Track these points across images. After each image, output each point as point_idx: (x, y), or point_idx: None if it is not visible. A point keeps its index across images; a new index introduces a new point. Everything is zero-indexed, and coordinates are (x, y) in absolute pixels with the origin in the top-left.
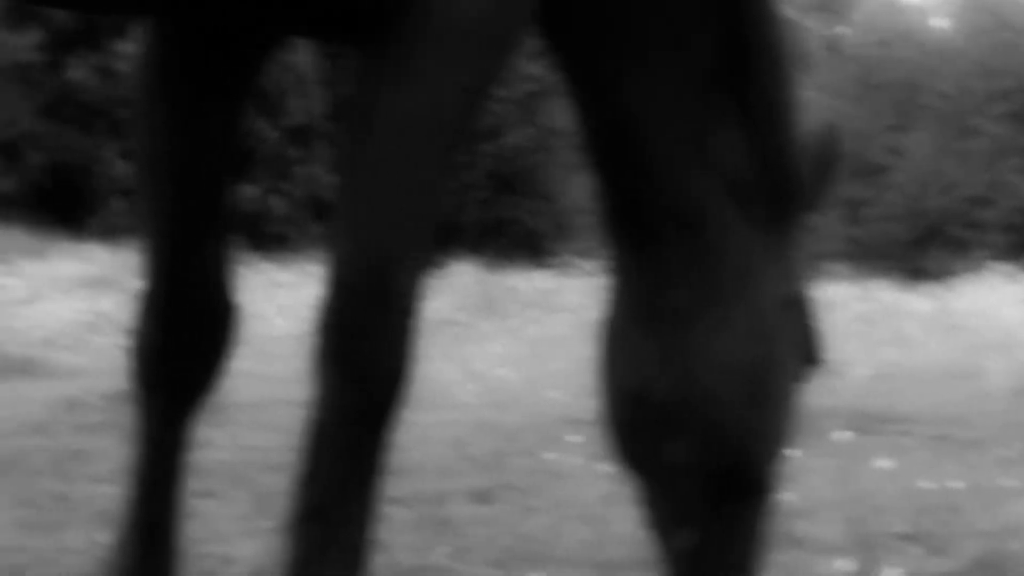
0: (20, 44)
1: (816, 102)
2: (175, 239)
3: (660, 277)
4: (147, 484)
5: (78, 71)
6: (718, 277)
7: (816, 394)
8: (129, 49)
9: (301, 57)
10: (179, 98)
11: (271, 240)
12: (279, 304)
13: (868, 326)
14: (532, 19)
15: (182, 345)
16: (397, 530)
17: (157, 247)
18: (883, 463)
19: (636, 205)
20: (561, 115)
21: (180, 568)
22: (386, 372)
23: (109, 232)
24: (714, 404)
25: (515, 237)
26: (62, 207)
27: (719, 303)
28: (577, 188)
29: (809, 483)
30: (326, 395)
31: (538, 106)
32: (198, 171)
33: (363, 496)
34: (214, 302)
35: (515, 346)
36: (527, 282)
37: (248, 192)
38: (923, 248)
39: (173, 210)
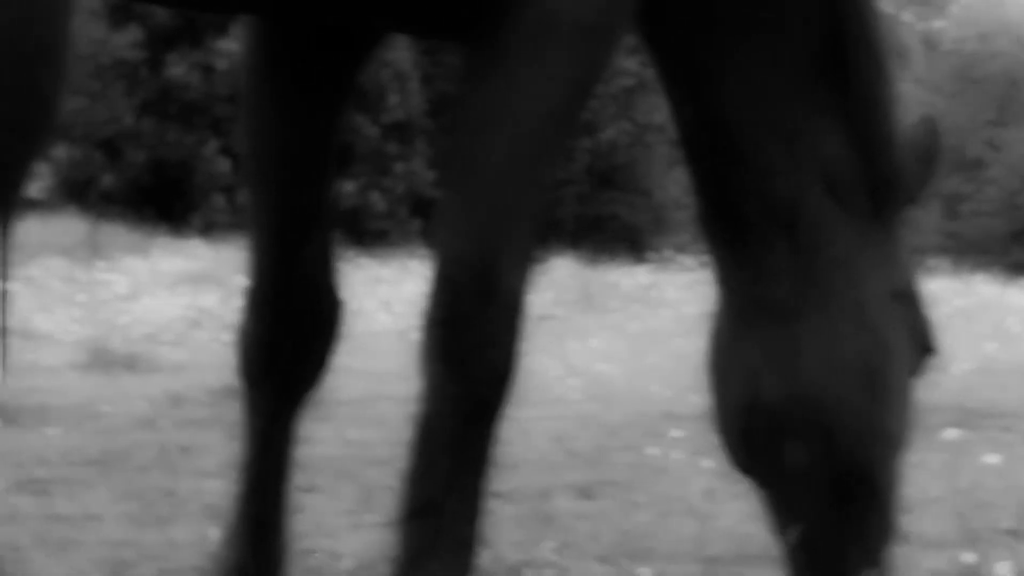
0: (121, 42)
1: (914, 97)
2: (281, 235)
3: (761, 277)
4: (255, 479)
5: (178, 68)
6: (819, 274)
7: (920, 390)
8: (229, 46)
9: (400, 53)
10: (283, 95)
11: (371, 236)
12: (380, 300)
13: (969, 321)
14: (633, 14)
15: (288, 341)
16: (502, 525)
17: (263, 243)
18: (989, 459)
19: (734, 203)
20: (658, 110)
21: (288, 563)
22: (492, 367)
23: (210, 228)
24: (825, 405)
25: (613, 232)
26: (163, 204)
27: (822, 301)
28: (675, 183)
29: (917, 479)
30: (433, 391)
31: (635, 101)
32: (303, 168)
33: (472, 491)
34: (319, 298)
35: (615, 341)
36: (626, 277)
37: (348, 188)
38: (1022, 242)
39: (278, 207)
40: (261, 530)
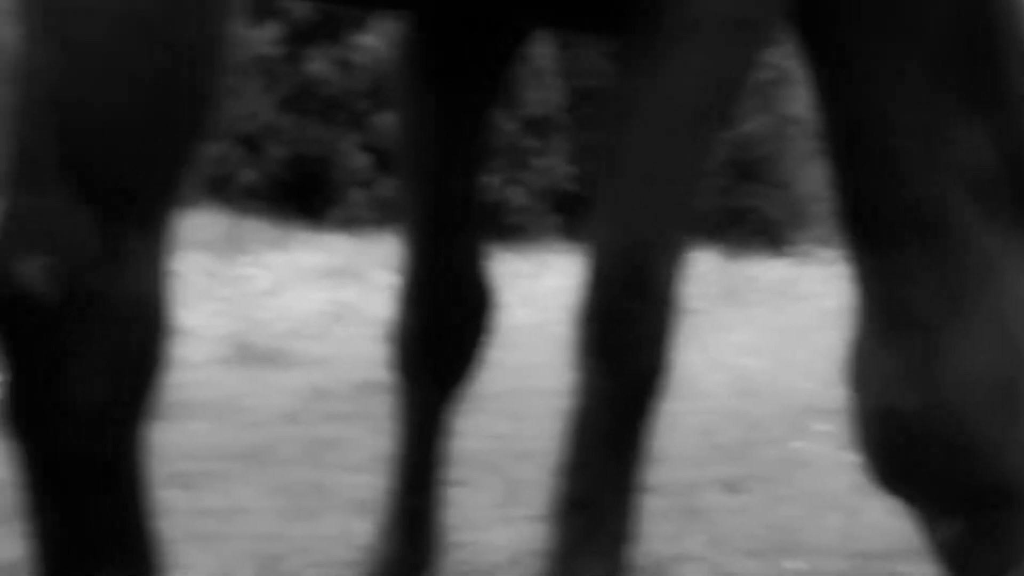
0: (261, 38)
1: None
2: (434, 230)
3: (901, 283)
4: (408, 473)
5: (317, 64)
6: (961, 282)
7: None
8: (367, 42)
9: (538, 48)
10: (437, 89)
11: (509, 231)
12: (520, 294)
13: None
14: (784, 8)
15: (441, 335)
16: (650, 519)
17: (416, 238)
18: None
19: (875, 204)
20: (798, 102)
21: (441, 557)
22: (646, 362)
23: (349, 223)
24: (964, 416)
25: (753, 225)
26: (303, 199)
27: (961, 309)
28: (814, 176)
29: None
30: (587, 385)
31: (776, 94)
32: (456, 161)
33: (625, 486)
34: (472, 292)
35: (758, 335)
36: (766, 271)
37: (486, 183)
38: None
39: (432, 200)
40: (415, 524)
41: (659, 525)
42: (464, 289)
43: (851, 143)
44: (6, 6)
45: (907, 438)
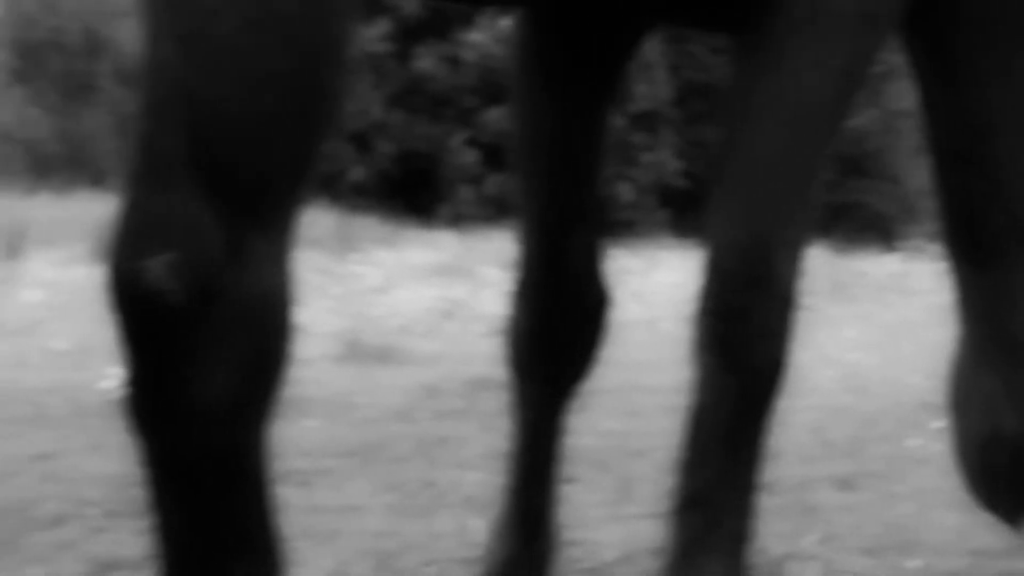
0: (370, 35)
1: None
2: (551, 227)
3: (1004, 302)
4: (525, 471)
5: (426, 61)
6: None
7: None
8: (475, 38)
9: (646, 43)
10: (556, 85)
11: (618, 226)
12: (630, 290)
13: None
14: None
15: (557, 333)
16: (764, 517)
17: (532, 235)
18: None
19: (979, 218)
20: (907, 96)
21: (557, 555)
22: (766, 358)
23: (457, 220)
24: None
25: (863, 220)
26: (411, 196)
27: None
28: (924, 171)
29: None
30: (706, 382)
31: (885, 88)
32: (574, 158)
33: (744, 484)
34: (589, 289)
35: (868, 331)
36: (876, 266)
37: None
38: None
39: (549, 197)
40: (531, 522)
41: (772, 523)
42: (581, 286)
43: (955, 151)
44: (121, 7)
45: (1010, 461)
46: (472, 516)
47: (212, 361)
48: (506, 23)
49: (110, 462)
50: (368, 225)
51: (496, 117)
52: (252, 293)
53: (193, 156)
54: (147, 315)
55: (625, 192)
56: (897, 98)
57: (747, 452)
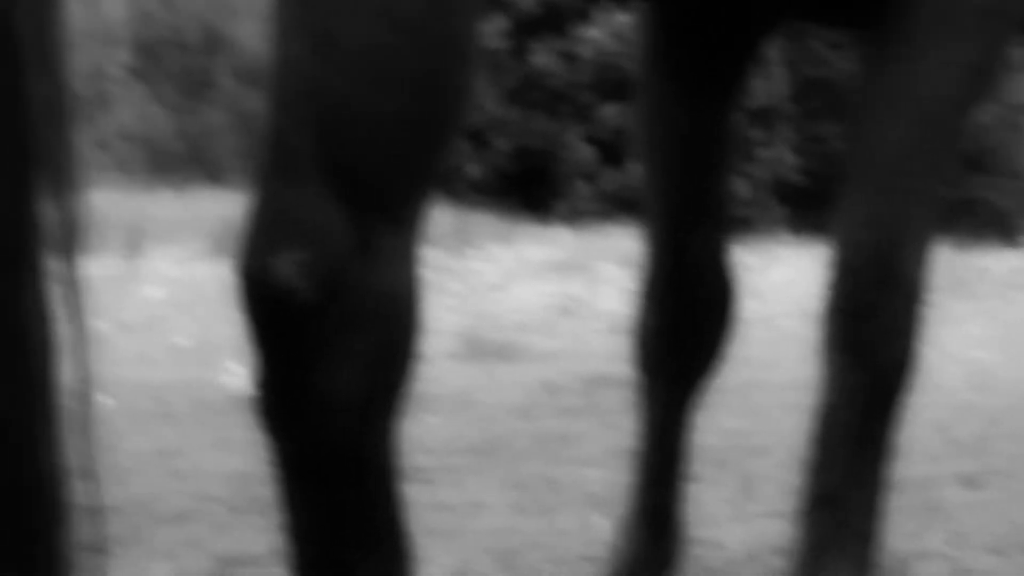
0: (487, 31)
1: None
2: (678, 225)
3: None
4: (651, 469)
5: (542, 56)
6: None
7: None
8: (591, 34)
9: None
10: (683, 81)
11: (735, 223)
12: (747, 287)
13: None
14: None
15: (684, 330)
16: (889, 515)
17: (659, 233)
18: None
19: None
20: None
21: (683, 554)
22: (894, 356)
23: (574, 216)
24: None
25: (983, 216)
26: (528, 192)
27: None
28: None
29: None
30: (834, 380)
31: (1005, 83)
32: (701, 155)
33: (873, 482)
34: (715, 287)
35: (991, 327)
36: (998, 262)
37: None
38: None
39: (675, 195)
40: (657, 520)
41: (898, 521)
42: (707, 283)
43: None
44: (241, 5)
45: None
46: (594, 514)
47: (341, 358)
48: (622, 19)
49: (233, 458)
50: (485, 222)
51: (612, 113)
52: (380, 290)
53: (322, 154)
54: (276, 313)
55: (742, 189)
56: (1017, 93)
57: (875, 450)
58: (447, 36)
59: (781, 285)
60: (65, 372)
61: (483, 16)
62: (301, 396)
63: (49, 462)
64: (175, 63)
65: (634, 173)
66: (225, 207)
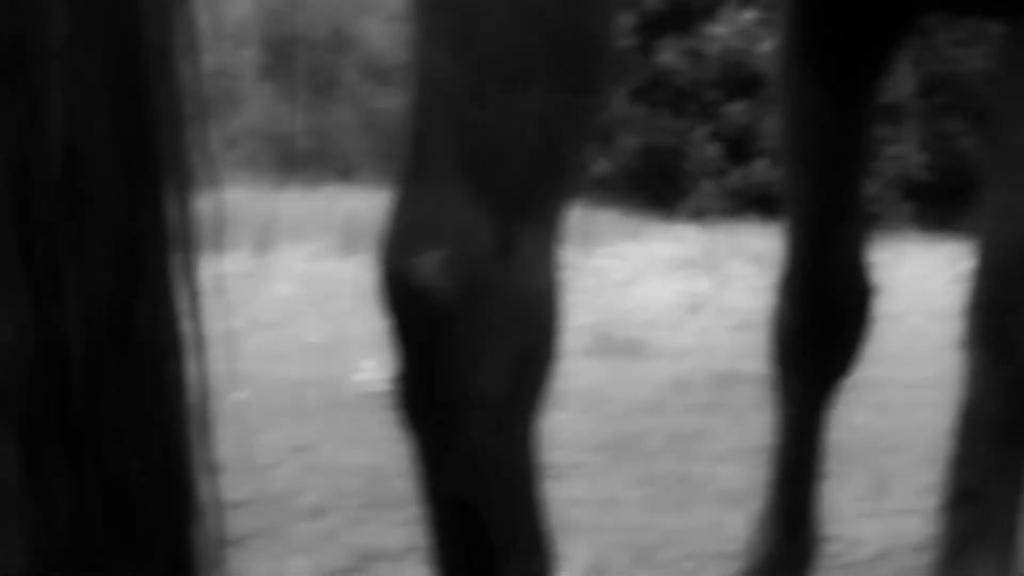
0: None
1: None
2: (818, 222)
3: None
4: (787, 466)
5: (668, 55)
6: None
7: None
8: (718, 31)
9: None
10: (822, 81)
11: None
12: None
13: None
14: None
15: (823, 327)
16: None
17: (798, 229)
18: None
19: None
20: None
21: (818, 551)
22: None
23: (700, 214)
24: None
25: None
26: (654, 189)
27: None
28: None
29: None
30: (976, 376)
31: None
32: (843, 152)
33: (1016, 478)
34: (854, 283)
35: None
36: None
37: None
38: None
39: (815, 193)
40: (793, 518)
41: None
42: (847, 280)
43: None
44: (367, 3)
45: None
46: (728, 510)
47: (482, 357)
48: (749, 16)
49: (367, 454)
50: (612, 219)
51: (738, 111)
52: (521, 290)
53: (461, 154)
54: (418, 312)
55: (869, 186)
56: None
57: (1019, 446)
58: (585, 34)
59: (909, 282)
60: (195, 370)
61: (619, 14)
62: (441, 394)
63: (183, 460)
64: (303, 61)
65: (760, 170)
66: (354, 203)
